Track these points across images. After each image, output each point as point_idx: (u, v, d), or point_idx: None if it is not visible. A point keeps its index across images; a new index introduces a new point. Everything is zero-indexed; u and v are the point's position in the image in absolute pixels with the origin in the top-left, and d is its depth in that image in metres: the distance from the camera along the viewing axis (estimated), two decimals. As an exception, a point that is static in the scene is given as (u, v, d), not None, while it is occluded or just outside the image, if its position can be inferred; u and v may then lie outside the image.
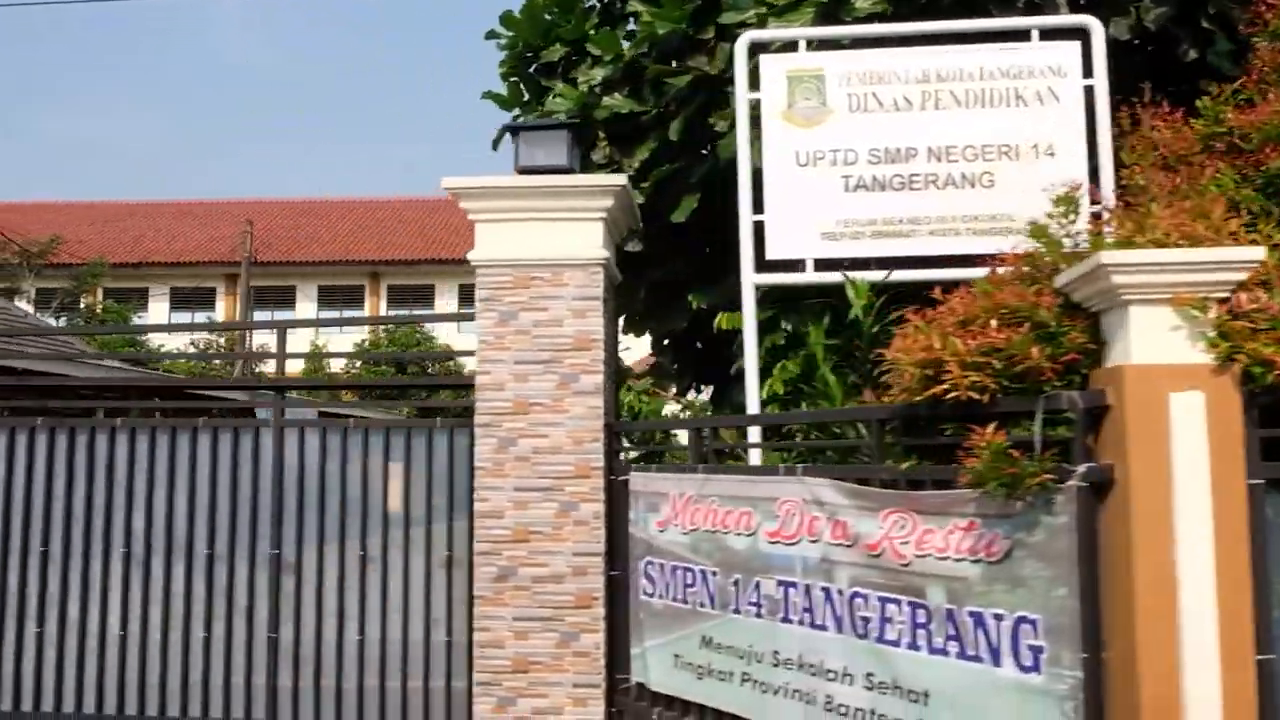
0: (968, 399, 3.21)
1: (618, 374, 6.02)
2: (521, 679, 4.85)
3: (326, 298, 31.76)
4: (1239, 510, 2.97)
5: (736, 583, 4.24)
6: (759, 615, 4.13)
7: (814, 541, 3.90)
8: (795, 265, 5.04)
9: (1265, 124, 3.77)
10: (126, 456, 5.88)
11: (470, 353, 5.35)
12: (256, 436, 5.82)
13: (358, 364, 25.83)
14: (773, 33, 5.27)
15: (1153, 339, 3.02)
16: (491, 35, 7.57)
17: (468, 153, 72.83)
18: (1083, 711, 3.01)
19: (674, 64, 6.60)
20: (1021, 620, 3.19)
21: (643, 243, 6.94)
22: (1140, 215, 3.29)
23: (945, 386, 3.26)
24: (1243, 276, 3.01)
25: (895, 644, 3.56)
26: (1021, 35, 4.91)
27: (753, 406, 5.01)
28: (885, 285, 4.88)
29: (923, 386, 3.34)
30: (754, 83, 5.16)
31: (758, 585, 4.14)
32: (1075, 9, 5.37)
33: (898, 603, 3.56)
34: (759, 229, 5.02)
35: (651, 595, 4.70)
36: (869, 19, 5.31)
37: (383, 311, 31.50)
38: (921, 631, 3.48)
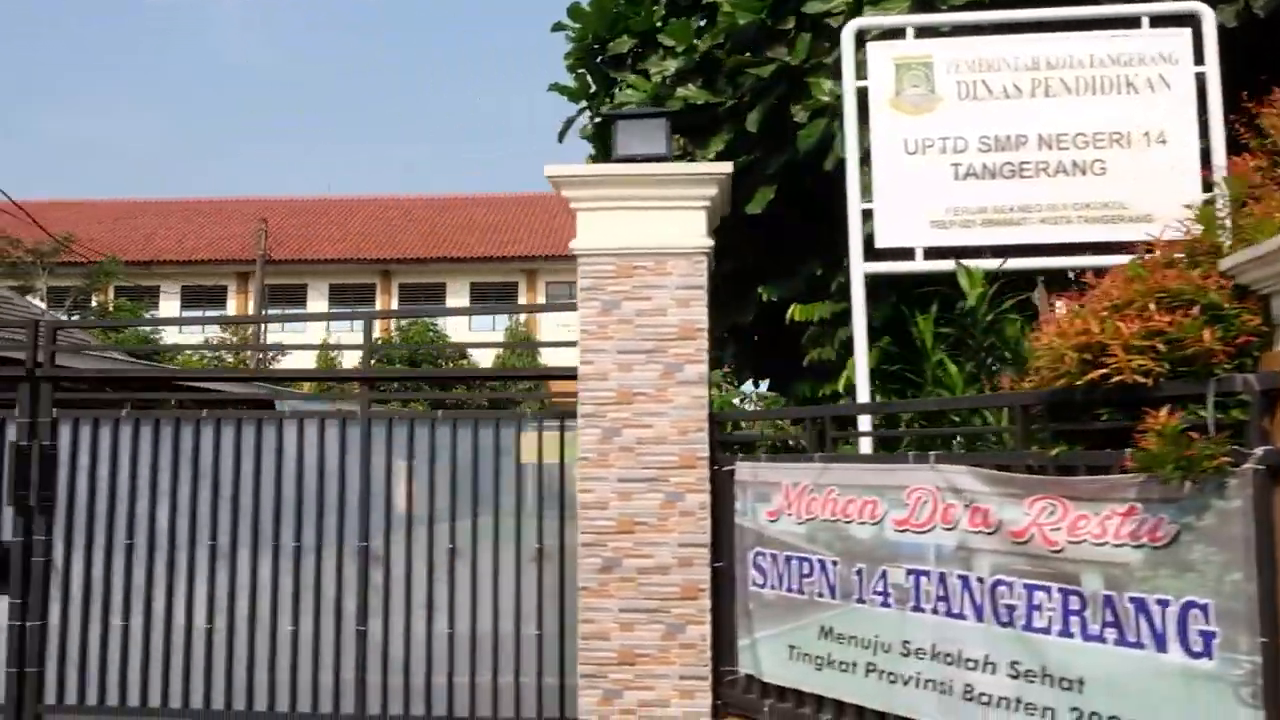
0: (1132, 382, 3.18)
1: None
2: (627, 671, 4.81)
3: (338, 296, 31.71)
4: None
5: (860, 572, 4.21)
6: (886, 605, 4.10)
7: (949, 529, 3.88)
8: (904, 254, 5.01)
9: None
10: (212, 448, 5.84)
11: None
12: (343, 429, 5.79)
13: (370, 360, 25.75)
14: (880, 20, 5.25)
15: (1329, 322, 3.00)
16: (559, 27, 7.55)
17: (468, 153, 72.79)
18: (1261, 696, 2.99)
19: (749, 55, 6.58)
20: (1190, 605, 3.16)
21: (714, 234, 6.93)
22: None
23: (1106, 370, 3.23)
24: None
25: (1045, 631, 3.53)
26: (1131, 22, 4.90)
27: (863, 395, 4.98)
28: (993, 274, 4.86)
29: (1081, 371, 3.31)
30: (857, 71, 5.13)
31: (884, 574, 4.11)
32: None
33: (1047, 590, 3.54)
34: (867, 217, 4.99)
35: (762, 586, 4.67)
36: (972, 6, 5.29)
37: (394, 303, 31.48)
38: (1075, 618, 3.45)
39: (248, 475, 5.81)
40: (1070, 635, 3.46)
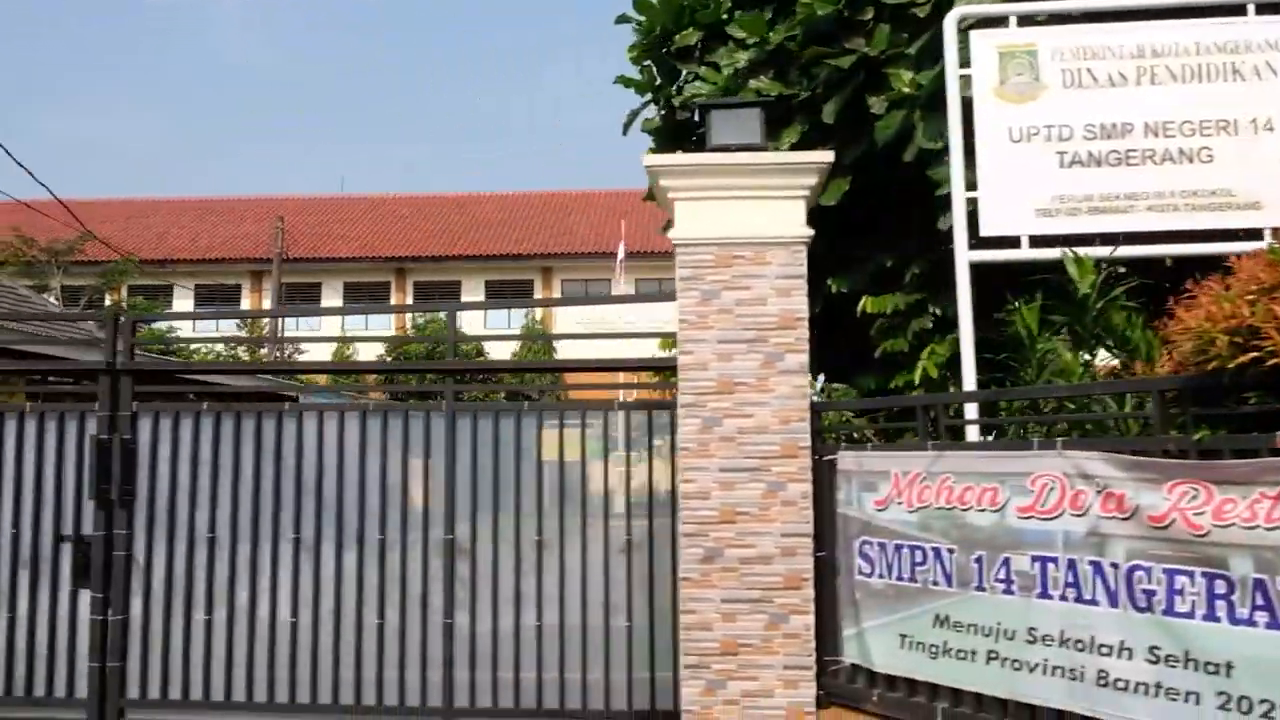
0: (1288, 366, 3.16)
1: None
2: (730, 661, 4.80)
3: (352, 293, 31.66)
4: None
5: (979, 560, 4.19)
6: (1008, 592, 4.08)
7: (1079, 515, 3.86)
8: (1010, 242, 4.99)
9: None
10: (295, 441, 5.82)
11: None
12: (427, 422, 5.77)
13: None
14: (983, 9, 5.23)
15: None
16: (623, 20, 7.53)
17: (468, 153, 72.77)
18: None
19: (824, 46, 6.56)
20: (1349, 589, 3.14)
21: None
22: None
23: (1259, 354, 3.21)
24: None
25: (1188, 616, 3.52)
26: (1237, 9, 4.88)
27: (969, 383, 4.96)
28: (1100, 262, 4.84)
29: (1231, 354, 3.29)
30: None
31: (1006, 562, 4.09)
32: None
33: (1190, 574, 3.52)
34: (973, 206, 4.97)
35: (869, 575, 4.66)
36: (1069, -8, 5.28)
37: (409, 299, 31.37)
38: (1221, 602, 3.43)
39: (330, 468, 5.80)
40: (1216, 619, 3.44)
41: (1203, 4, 4.92)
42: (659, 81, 7.49)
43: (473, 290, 31.52)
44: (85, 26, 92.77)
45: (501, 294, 31.11)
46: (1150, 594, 3.63)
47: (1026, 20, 5.08)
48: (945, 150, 6.02)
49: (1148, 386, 3.85)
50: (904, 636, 4.48)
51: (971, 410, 4.87)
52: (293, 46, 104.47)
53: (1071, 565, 3.88)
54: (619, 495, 5.64)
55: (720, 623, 4.81)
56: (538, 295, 30.92)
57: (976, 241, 5.03)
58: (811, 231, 4.94)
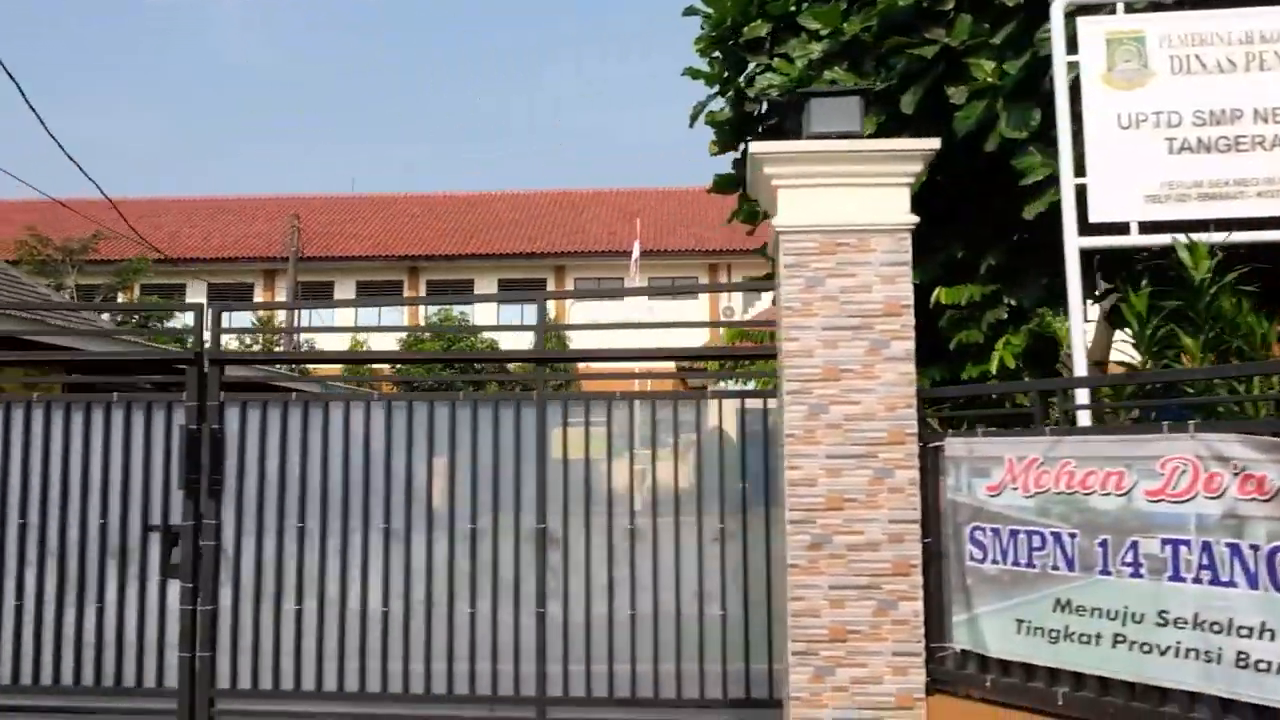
0: None
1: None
2: (839, 648, 4.79)
3: (365, 292, 31.63)
4: None
5: (1104, 544, 4.19)
6: (1136, 575, 4.09)
7: (1214, 498, 3.86)
8: (1119, 228, 5.00)
9: None
10: (384, 431, 5.82)
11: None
12: (518, 410, 5.77)
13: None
14: (1092, -5, 5.25)
15: None
16: (691, 12, 7.53)
17: (468, 152, 72.71)
18: None
19: (898, 37, 6.56)
20: None
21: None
22: None
23: None
24: None
25: (1336, 597, 3.52)
26: (1346, -6, 4.91)
27: (1080, 369, 4.97)
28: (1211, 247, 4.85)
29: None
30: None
31: (1134, 545, 4.10)
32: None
33: (1338, 555, 3.52)
34: (1080, 192, 4.98)
35: (982, 561, 4.66)
36: (1175, -21, 5.30)
37: (420, 307, 31.34)
38: (1373, 583, 3.44)
39: (420, 458, 5.80)
40: (1367, 600, 3.45)
41: (1312, -10, 4.94)
42: (726, 73, 7.49)
43: (486, 288, 31.52)
44: (85, 26, 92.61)
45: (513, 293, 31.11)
46: (1294, 575, 3.63)
47: (1135, 7, 5.09)
48: (1030, 139, 6.05)
49: (1291, 368, 3.85)
50: (1021, 621, 4.48)
51: (1082, 395, 4.88)
52: (293, 46, 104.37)
53: (1206, 548, 3.88)
54: (711, 484, 5.65)
55: (828, 609, 4.81)
56: (550, 300, 30.86)
57: (1085, 228, 5.04)
58: (916, 219, 4.95)
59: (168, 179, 74.04)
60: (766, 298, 29.18)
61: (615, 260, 29.92)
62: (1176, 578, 3.97)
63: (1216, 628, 3.84)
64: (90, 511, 5.87)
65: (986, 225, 6.71)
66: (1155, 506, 4.04)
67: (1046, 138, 6.07)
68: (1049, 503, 4.39)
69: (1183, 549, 3.95)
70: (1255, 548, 3.74)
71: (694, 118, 7.70)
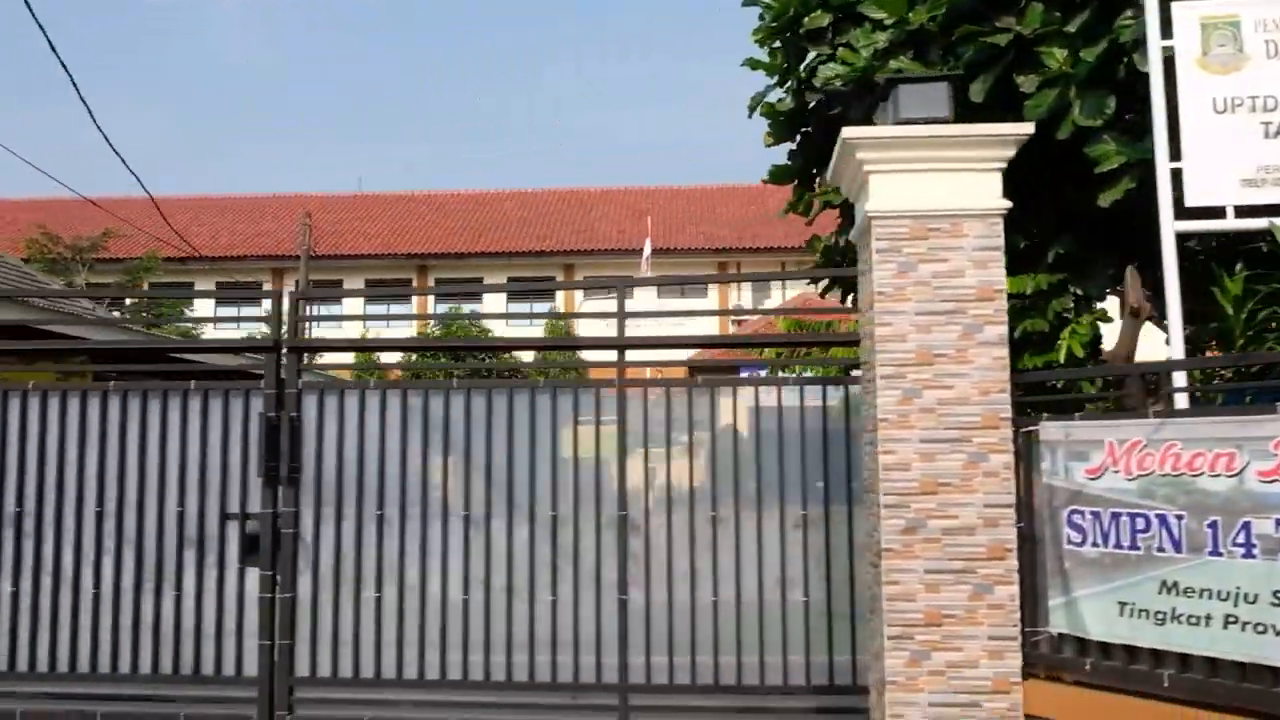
0: None
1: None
2: (935, 632, 4.80)
3: (374, 290, 31.56)
4: None
5: (1213, 525, 4.21)
6: (1249, 555, 4.10)
7: (1331, 478, 3.88)
8: (1214, 212, 5.03)
9: None
10: (463, 417, 5.82)
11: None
12: (597, 395, 5.77)
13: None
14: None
15: None
16: (751, 2, 7.53)
17: (468, 152, 72.66)
18: None
19: (957, 27, 6.56)
20: None
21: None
22: None
23: None
24: None
25: None
26: None
27: (1178, 352, 5.00)
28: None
29: None
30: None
31: (1246, 526, 4.11)
32: None
33: None
34: (1176, 176, 5.01)
35: (1080, 544, 4.67)
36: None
37: (430, 306, 31.31)
38: None
39: (500, 445, 5.80)
40: None
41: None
42: (786, 64, 7.50)
43: (495, 285, 31.51)
44: (85, 26, 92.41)
45: (524, 291, 31.08)
46: None
47: (1227, -7, 5.13)
48: (1105, 127, 6.06)
49: None
50: (1124, 604, 4.49)
51: (1180, 379, 4.90)
52: (293, 47, 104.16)
53: (1324, 527, 3.90)
54: (792, 470, 5.66)
55: (924, 593, 4.82)
56: (559, 293, 30.86)
57: (1180, 213, 5.06)
58: (1009, 204, 4.96)
59: (167, 179, 73.81)
60: (775, 296, 29.23)
61: (625, 258, 29.92)
62: (1293, 557, 3.98)
63: (1335, 606, 3.85)
64: (168, 499, 5.86)
65: (1052, 214, 6.72)
66: (1269, 487, 4.05)
67: (1120, 125, 6.10)
68: (1153, 485, 4.41)
69: (1299, 528, 3.96)
70: (1377, 526, 3.76)
71: (752, 109, 7.70)
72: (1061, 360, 6.58)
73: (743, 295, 30.13)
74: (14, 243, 26.53)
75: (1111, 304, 7.65)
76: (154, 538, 5.84)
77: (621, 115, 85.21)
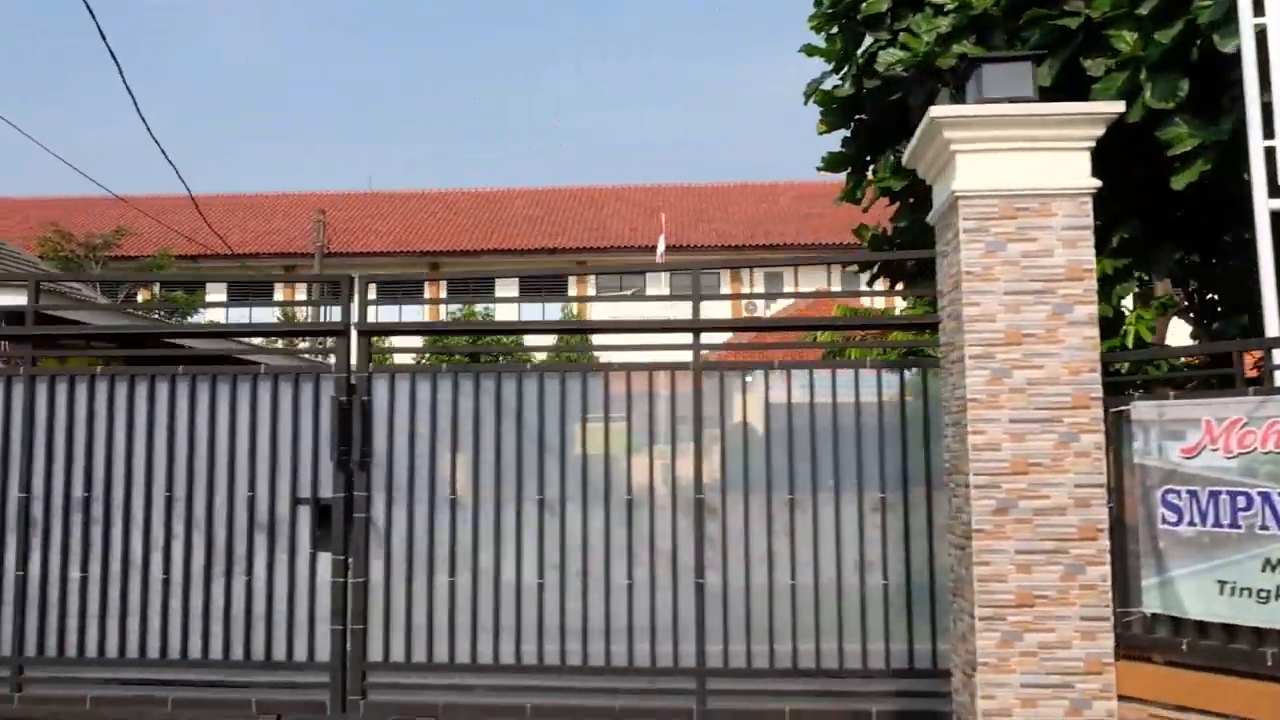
0: None
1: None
2: (1026, 613, 4.77)
3: (385, 288, 31.37)
4: None
5: (1320, 502, 4.18)
6: (1358, 532, 4.08)
7: None
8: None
9: None
10: (536, 401, 5.78)
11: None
12: (672, 379, 5.74)
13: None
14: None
15: None
16: (808, -13, 7.51)
17: (468, 152, 72.57)
18: None
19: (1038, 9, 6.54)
20: None
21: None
22: None
23: None
24: None
25: None
26: None
27: (1273, 329, 4.97)
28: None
29: None
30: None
31: (1355, 502, 4.09)
32: None
33: None
34: (1270, 155, 4.98)
35: (1176, 524, 4.64)
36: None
37: (442, 293, 31.27)
38: None
39: (574, 428, 5.77)
40: None
41: None
42: (844, 50, 7.47)
43: (507, 284, 31.39)
44: (85, 26, 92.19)
45: (536, 289, 31.02)
46: None
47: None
48: (1176, 110, 6.03)
49: None
50: (1224, 583, 4.46)
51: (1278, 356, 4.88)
52: (293, 46, 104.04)
53: None
54: (870, 452, 5.63)
55: (1015, 574, 4.79)
56: (572, 291, 30.85)
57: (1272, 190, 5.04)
58: (1099, 183, 4.93)
59: (167, 178, 73.61)
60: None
61: (638, 256, 29.88)
62: (1405, 533, 3.95)
63: None
64: (238, 484, 5.82)
65: (1117, 199, 6.69)
66: (1379, 463, 4.03)
67: (1193, 108, 6.07)
68: (1255, 463, 4.38)
69: None
70: None
71: (808, 96, 7.68)
72: (1130, 344, 6.56)
73: (755, 291, 30.06)
74: (26, 240, 26.47)
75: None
76: (224, 523, 5.80)
77: (621, 115, 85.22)
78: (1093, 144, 4.94)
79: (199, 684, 5.71)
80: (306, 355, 8.94)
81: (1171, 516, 4.67)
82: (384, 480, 5.76)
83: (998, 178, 4.95)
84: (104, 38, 8.69)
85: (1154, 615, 4.75)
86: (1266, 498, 4.34)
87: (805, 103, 7.67)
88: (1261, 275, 5.08)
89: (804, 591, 5.54)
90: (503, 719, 5.50)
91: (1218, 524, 4.49)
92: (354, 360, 5.81)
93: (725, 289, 29.19)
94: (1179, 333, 9.12)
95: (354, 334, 5.84)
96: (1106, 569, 4.78)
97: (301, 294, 30.28)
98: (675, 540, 5.61)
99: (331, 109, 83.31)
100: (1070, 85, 6.48)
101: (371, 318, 5.95)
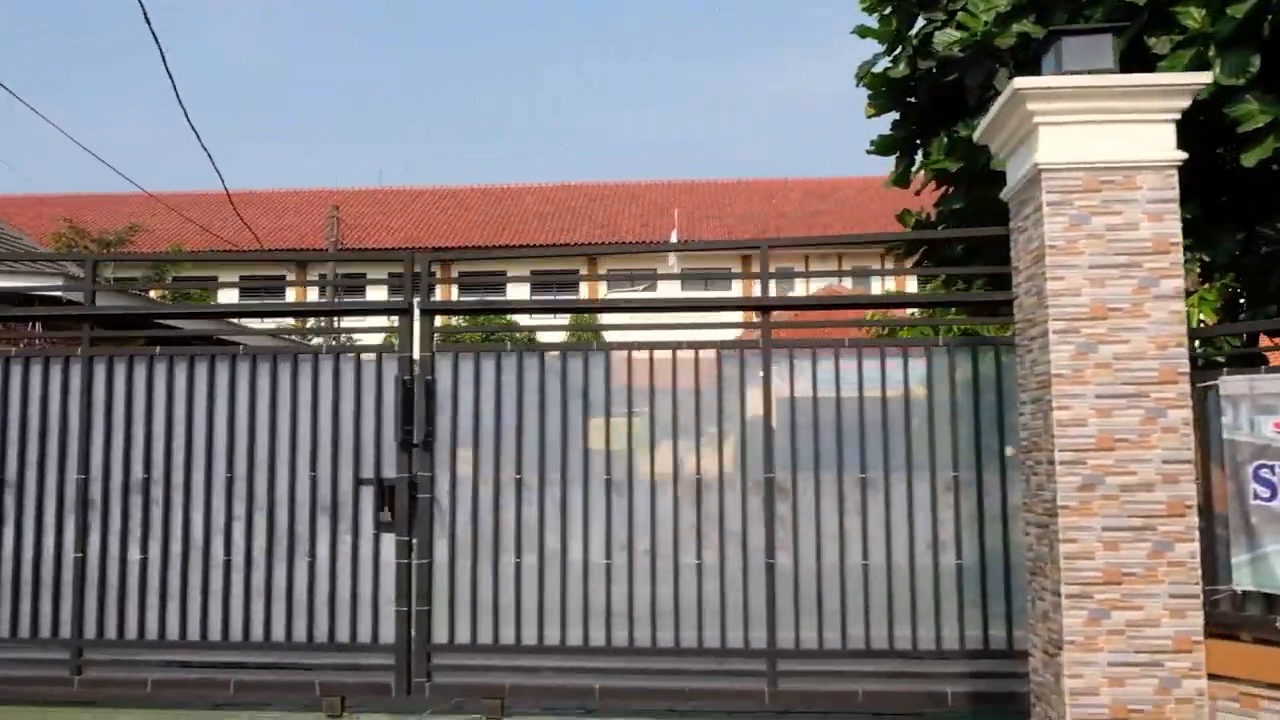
0: None
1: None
2: (1114, 591, 4.70)
3: (396, 283, 31.40)
4: None
5: None
6: None
7: None
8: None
9: None
10: (603, 379, 5.71)
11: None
12: (741, 358, 5.68)
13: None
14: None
15: None
16: (860, -32, 7.44)
17: (468, 152, 72.44)
18: None
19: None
20: None
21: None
22: None
23: None
24: None
25: None
26: None
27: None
28: None
29: None
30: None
31: None
32: None
33: None
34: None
35: (1270, 499, 4.58)
36: None
37: (454, 295, 31.14)
38: None
39: (641, 408, 5.70)
40: None
41: None
42: (898, 31, 7.40)
43: (517, 281, 31.36)
44: (85, 26, 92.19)
45: (548, 284, 30.98)
46: None
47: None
48: (1247, 86, 5.96)
49: None
50: (1319, 558, 4.40)
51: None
52: (293, 46, 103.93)
53: None
54: (943, 431, 5.56)
55: (1102, 551, 4.71)
56: (583, 286, 30.77)
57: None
58: (1185, 155, 4.86)
59: (167, 178, 73.57)
60: (799, 288, 29.11)
61: (649, 252, 29.78)
62: None
63: None
64: (299, 465, 5.75)
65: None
66: None
67: (1264, 84, 6.00)
68: (1353, 436, 4.31)
69: None
70: None
71: (860, 78, 7.61)
72: (1193, 325, 6.48)
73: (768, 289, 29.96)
74: (40, 236, 26.40)
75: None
76: (285, 504, 5.73)
77: (621, 115, 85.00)
78: (1178, 116, 4.87)
79: (260, 666, 5.64)
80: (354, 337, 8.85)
81: (1264, 492, 4.60)
82: (448, 460, 5.69)
83: (1082, 150, 4.88)
84: (154, 35, 8.60)
85: (1244, 592, 4.68)
86: (1367, 471, 4.27)
87: (857, 85, 7.60)
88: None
89: (876, 571, 5.47)
90: (571, 700, 5.43)
91: (1314, 498, 4.43)
92: (416, 340, 5.74)
93: (738, 287, 29.13)
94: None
95: (417, 313, 5.76)
96: (1195, 545, 4.70)
97: (313, 292, 30.16)
98: (745, 520, 5.53)
99: (332, 109, 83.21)
100: (1135, 63, 6.40)
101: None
